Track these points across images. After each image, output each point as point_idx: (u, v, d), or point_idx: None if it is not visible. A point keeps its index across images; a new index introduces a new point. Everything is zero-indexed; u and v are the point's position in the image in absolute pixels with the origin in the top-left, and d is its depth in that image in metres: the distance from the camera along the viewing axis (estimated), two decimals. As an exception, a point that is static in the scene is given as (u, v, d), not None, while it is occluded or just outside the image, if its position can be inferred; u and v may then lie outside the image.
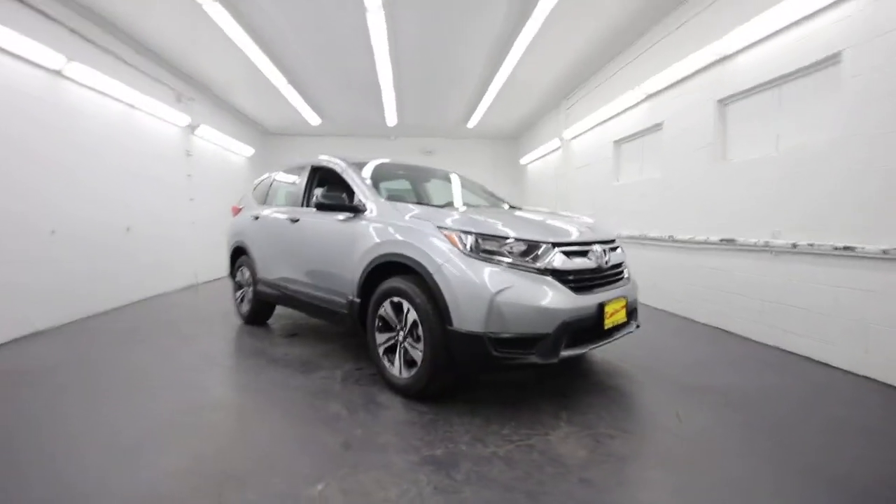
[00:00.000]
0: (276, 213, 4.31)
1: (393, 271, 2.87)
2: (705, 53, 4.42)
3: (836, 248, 3.19)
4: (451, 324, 2.42)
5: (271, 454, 2.12)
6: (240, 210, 5.21)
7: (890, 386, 2.91)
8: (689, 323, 4.74)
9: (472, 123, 10.18)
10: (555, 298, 2.43)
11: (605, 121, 6.75)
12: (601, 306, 2.57)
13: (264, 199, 4.78)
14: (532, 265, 2.48)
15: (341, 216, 3.36)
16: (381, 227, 2.97)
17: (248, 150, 10.11)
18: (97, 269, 5.22)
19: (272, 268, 4.20)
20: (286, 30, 5.62)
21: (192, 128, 7.64)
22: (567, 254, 2.60)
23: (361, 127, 11.00)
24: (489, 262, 2.45)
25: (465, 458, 2.06)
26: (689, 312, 4.88)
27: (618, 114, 6.35)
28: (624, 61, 6.07)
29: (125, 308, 5.57)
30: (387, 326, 2.88)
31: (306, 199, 4.03)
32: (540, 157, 10.08)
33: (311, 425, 2.41)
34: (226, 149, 9.20)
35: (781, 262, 3.69)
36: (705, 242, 4.53)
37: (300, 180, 4.17)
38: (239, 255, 4.91)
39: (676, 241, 5.01)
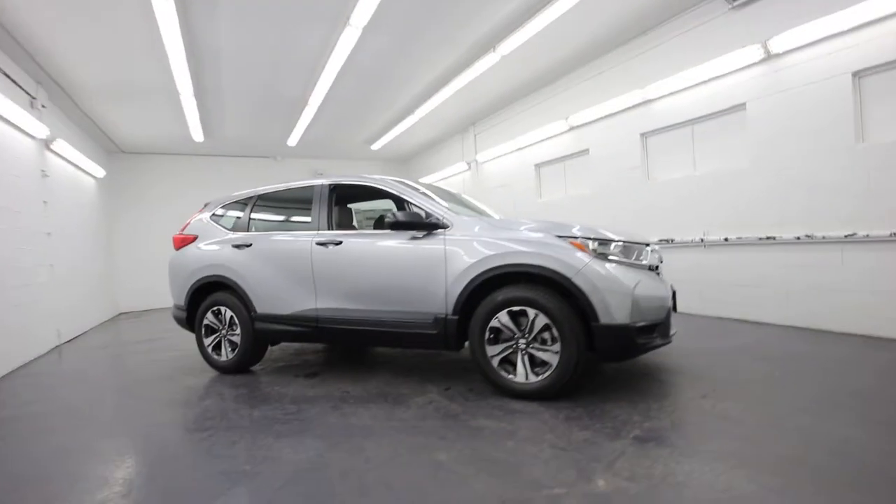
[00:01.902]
0: (286, 238, 3.80)
1: (499, 283, 2.95)
2: (632, 97, 5.63)
3: (760, 239, 4.50)
4: (596, 320, 2.67)
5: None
6: (191, 240, 4.32)
7: (804, 328, 4.25)
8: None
9: (377, 146, 10.20)
10: (662, 288, 2.92)
11: (526, 146, 7.70)
12: (674, 293, 3.16)
13: (245, 225, 4.11)
14: (640, 262, 2.92)
15: (406, 235, 3.26)
16: (483, 240, 3.01)
17: (99, 171, 8.10)
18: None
19: (287, 300, 3.66)
20: (220, 37, 4.98)
21: (47, 141, 5.87)
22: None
23: (252, 147, 9.93)
24: (616, 263, 2.80)
25: (655, 430, 2.34)
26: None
27: (541, 140, 7.35)
28: (550, 94, 7.11)
29: None
30: (499, 338, 2.93)
31: (330, 221, 3.69)
32: (443, 179, 10.69)
33: (505, 455, 2.33)
34: (79, 168, 7.24)
35: (714, 252, 4.96)
36: (643, 244, 5.68)
37: (317, 201, 3.78)
38: (207, 293, 4.07)
39: (614, 245, 6.10)
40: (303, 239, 3.68)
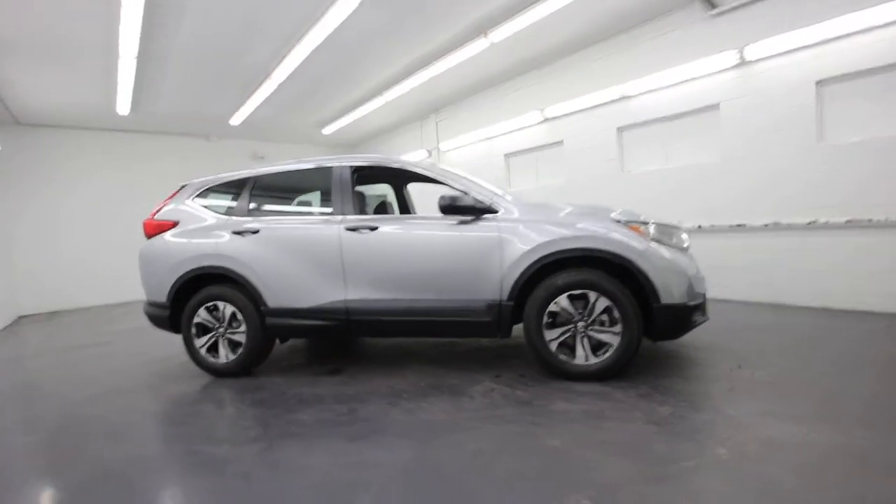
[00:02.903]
0: (306, 223, 3.46)
1: (552, 269, 2.95)
2: (610, 92, 5.94)
3: (730, 226, 5.03)
4: (658, 301, 2.80)
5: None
6: (169, 226, 3.74)
7: (768, 304, 4.85)
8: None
9: (330, 129, 9.61)
10: (699, 269, 3.13)
11: (496, 136, 7.77)
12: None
13: (245, 210, 3.65)
14: (682, 246, 3.11)
15: (451, 219, 3.14)
16: (540, 224, 2.99)
17: (-9, 145, 6.65)
18: None
19: (309, 291, 3.33)
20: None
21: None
22: None
23: (185, 124, 8.81)
24: (667, 246, 2.94)
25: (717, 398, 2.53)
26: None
27: (512, 131, 7.46)
28: (523, 85, 7.21)
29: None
30: (556, 321, 2.94)
31: (355, 205, 3.41)
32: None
33: (598, 445, 2.35)
34: (-30, 140, 5.87)
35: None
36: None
37: (337, 184, 3.46)
38: (197, 287, 3.56)
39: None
40: (328, 224, 3.35)
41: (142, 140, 9.14)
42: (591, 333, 2.90)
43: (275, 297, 3.39)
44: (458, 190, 3.18)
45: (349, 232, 3.27)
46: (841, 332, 3.77)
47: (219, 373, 3.56)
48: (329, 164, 3.61)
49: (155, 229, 3.79)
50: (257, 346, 3.47)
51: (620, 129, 6.05)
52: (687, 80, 5.27)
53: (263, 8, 4.76)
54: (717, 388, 2.74)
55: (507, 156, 7.73)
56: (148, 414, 2.97)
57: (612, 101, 6.02)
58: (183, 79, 6.40)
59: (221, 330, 3.53)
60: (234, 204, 3.71)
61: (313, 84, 7.03)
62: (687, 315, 2.84)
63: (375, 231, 3.24)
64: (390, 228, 3.25)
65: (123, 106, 7.09)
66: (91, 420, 2.88)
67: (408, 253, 3.20)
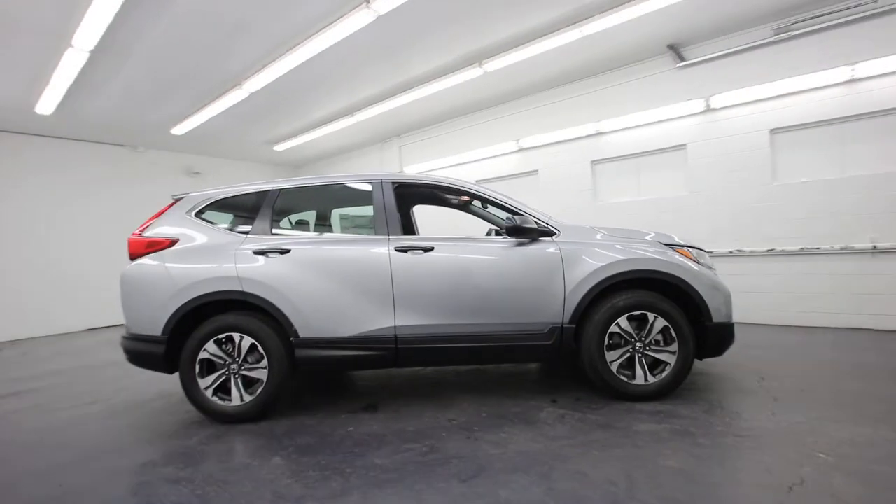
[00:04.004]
0: (347, 243, 3.17)
1: (609, 291, 3.02)
2: (586, 128, 6.40)
3: (700, 253, 5.60)
4: (710, 320, 2.98)
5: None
6: (165, 245, 3.19)
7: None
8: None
9: (283, 147, 9.02)
10: None
11: (466, 163, 7.89)
12: None
13: (267, 227, 3.23)
14: (711, 267, 3.37)
15: (507, 242, 3.10)
16: (601, 247, 3.06)
17: None
18: None
19: (351, 319, 3.01)
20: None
21: None
22: None
23: (115, 131, 7.68)
24: (708, 269, 3.18)
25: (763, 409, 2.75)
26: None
27: (484, 158, 7.64)
28: (496, 115, 7.46)
29: None
30: (617, 343, 2.99)
31: (402, 224, 3.21)
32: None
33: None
34: None
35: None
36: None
37: (379, 201, 3.23)
38: (204, 316, 3.04)
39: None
40: (375, 244, 3.09)
41: (58, 146, 7.78)
42: (649, 353, 3.00)
43: (308, 326, 3.01)
44: (521, 212, 3.15)
45: (399, 253, 3.05)
46: (813, 345, 4.33)
47: (229, 418, 3.02)
48: (364, 180, 3.38)
49: (144, 248, 3.20)
50: (281, 384, 3.03)
51: (594, 162, 6.51)
52: (657, 122, 5.87)
53: (258, 15, 4.41)
54: (763, 399, 2.96)
55: (478, 182, 7.86)
56: (166, 480, 2.39)
57: (587, 136, 6.49)
58: (136, 79, 5.60)
59: (234, 367, 3.03)
60: (251, 221, 3.27)
61: (285, 97, 6.60)
62: (731, 332, 3.08)
63: (430, 252, 3.06)
64: (447, 249, 3.10)
65: (48, 104, 5.97)
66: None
67: (466, 275, 3.06)
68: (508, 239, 3.13)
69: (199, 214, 3.30)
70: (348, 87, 6.47)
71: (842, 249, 4.72)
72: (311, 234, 3.37)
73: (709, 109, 5.48)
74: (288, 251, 3.09)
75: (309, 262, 3.08)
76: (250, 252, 3.10)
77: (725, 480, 2.05)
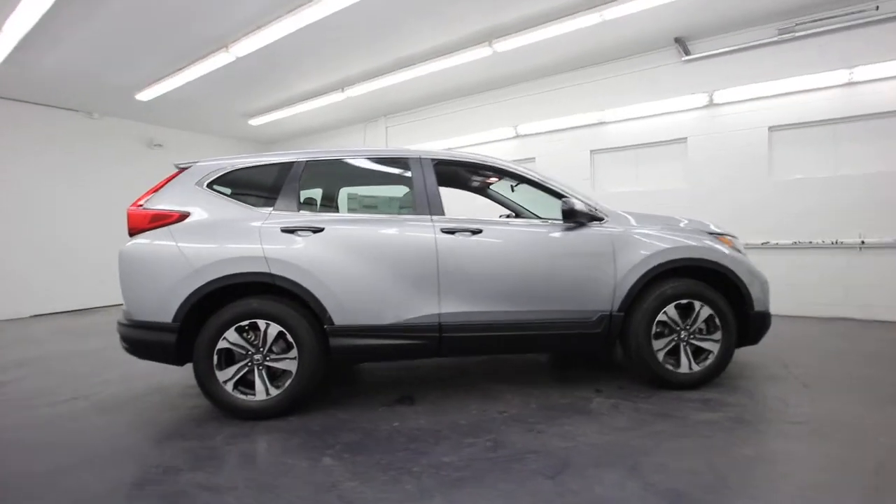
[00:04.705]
0: (389, 223, 2.93)
1: (655, 279, 2.97)
2: (587, 117, 6.37)
3: (697, 244, 5.74)
4: (752, 308, 3.01)
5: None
6: (173, 219, 2.80)
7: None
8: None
9: (259, 121, 8.38)
10: None
11: (459, 147, 7.66)
12: None
13: (294, 203, 2.90)
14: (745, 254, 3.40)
15: (557, 226, 2.99)
16: (651, 234, 3.00)
17: None
18: None
19: (392, 305, 2.78)
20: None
21: None
22: None
23: (69, 93, 6.82)
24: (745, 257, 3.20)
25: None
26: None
27: (478, 143, 7.45)
28: (493, 99, 7.27)
29: None
30: (661, 332, 2.96)
31: (441, 204, 2.99)
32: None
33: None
34: None
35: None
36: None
37: (419, 178, 2.99)
38: (223, 301, 2.70)
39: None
40: (419, 224, 2.86)
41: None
42: (693, 342, 2.98)
43: (345, 313, 2.74)
44: (573, 196, 3.01)
45: (445, 234, 2.84)
46: (814, 334, 4.54)
47: (252, 414, 2.70)
48: (398, 155, 3.13)
49: (148, 223, 2.78)
50: (313, 376, 2.75)
51: (594, 152, 6.51)
52: (659, 114, 5.94)
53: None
54: (794, 386, 3.03)
55: (470, 168, 7.69)
56: (202, 488, 2.07)
57: (589, 125, 6.47)
58: (105, 31, 4.91)
59: (258, 357, 2.71)
60: (273, 195, 2.92)
61: (273, 66, 6.08)
62: (769, 320, 3.12)
63: (478, 234, 2.86)
64: (496, 231, 2.92)
65: (-8, 55, 5.13)
66: None
67: (515, 260, 2.90)
68: (557, 223, 3.00)
69: (211, 186, 2.92)
70: (343, 59, 6.06)
71: (832, 244, 4.99)
72: (342, 213, 3.08)
73: (711, 104, 5.60)
74: (321, 230, 2.79)
75: (345, 242, 2.79)
76: (277, 230, 2.77)
77: (808, 466, 2.04)
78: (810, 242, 5.10)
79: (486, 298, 2.85)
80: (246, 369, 2.71)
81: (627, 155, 6.36)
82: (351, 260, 2.77)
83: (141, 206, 2.85)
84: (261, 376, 2.71)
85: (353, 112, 8.46)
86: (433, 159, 3.08)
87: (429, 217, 2.91)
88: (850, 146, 4.95)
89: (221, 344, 2.67)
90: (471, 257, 2.85)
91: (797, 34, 5.00)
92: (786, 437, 2.33)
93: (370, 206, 4.54)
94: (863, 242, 4.83)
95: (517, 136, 7.13)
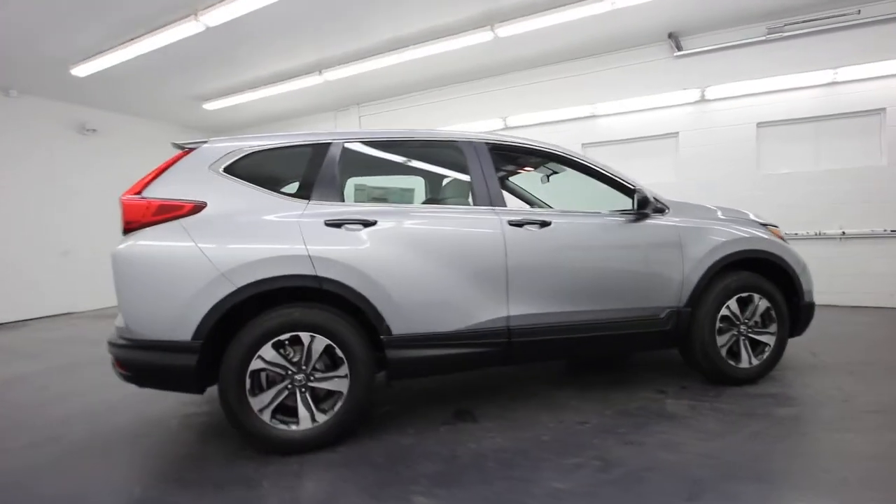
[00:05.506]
0: (450, 214, 2.58)
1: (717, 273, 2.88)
2: (579, 110, 6.30)
3: (689, 237, 5.87)
4: (802, 299, 3.00)
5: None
6: (186, 210, 2.26)
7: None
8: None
9: (214, 106, 7.48)
10: None
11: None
12: None
13: (333, 191, 2.45)
14: None
15: (621, 217, 2.80)
16: (713, 226, 2.91)
17: None
18: None
19: (456, 309, 2.44)
20: None
21: None
22: None
23: None
24: (790, 248, 3.20)
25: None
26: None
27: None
28: (481, 89, 6.99)
29: None
30: (722, 327, 2.87)
31: (501, 194, 2.68)
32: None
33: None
34: None
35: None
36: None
37: (475, 164, 2.65)
38: (255, 311, 2.23)
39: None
40: (482, 217, 2.52)
41: None
42: (751, 336, 2.92)
43: (404, 320, 2.35)
44: (636, 186, 2.83)
45: (512, 227, 2.53)
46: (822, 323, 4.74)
47: (295, 447, 2.23)
48: (449, 138, 2.78)
49: (152, 216, 2.21)
50: (367, 396, 2.34)
51: (585, 145, 6.46)
52: (652, 109, 5.99)
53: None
54: (840, 374, 3.07)
55: (454, 160, 7.39)
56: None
57: (580, 118, 6.41)
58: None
59: (300, 377, 2.25)
60: (309, 182, 2.45)
61: (241, 41, 5.39)
62: (813, 311, 3.14)
63: (548, 227, 2.58)
64: (566, 224, 2.66)
65: None
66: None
67: (587, 255, 2.66)
68: (619, 214, 2.82)
69: (229, 170, 2.39)
70: (324, 38, 5.51)
71: (816, 235, 5.28)
72: (394, 204, 2.67)
73: (703, 100, 5.72)
74: (373, 223, 2.37)
75: (402, 237, 2.40)
76: (320, 223, 2.32)
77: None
78: (796, 234, 5.35)
79: (559, 297, 2.59)
80: (286, 393, 2.24)
81: (619, 149, 6.37)
82: (409, 258, 2.38)
83: (139, 194, 2.26)
84: (304, 400, 2.25)
85: (324, 99, 7.82)
86: (487, 143, 2.75)
87: (491, 208, 2.59)
88: (833, 142, 5.26)
89: (255, 364, 2.18)
90: (542, 252, 2.56)
91: (785, 34, 5.22)
92: (880, 429, 2.28)
93: (379, 198, 4.10)
94: (843, 233, 5.16)
95: (506, 129, 6.92)
